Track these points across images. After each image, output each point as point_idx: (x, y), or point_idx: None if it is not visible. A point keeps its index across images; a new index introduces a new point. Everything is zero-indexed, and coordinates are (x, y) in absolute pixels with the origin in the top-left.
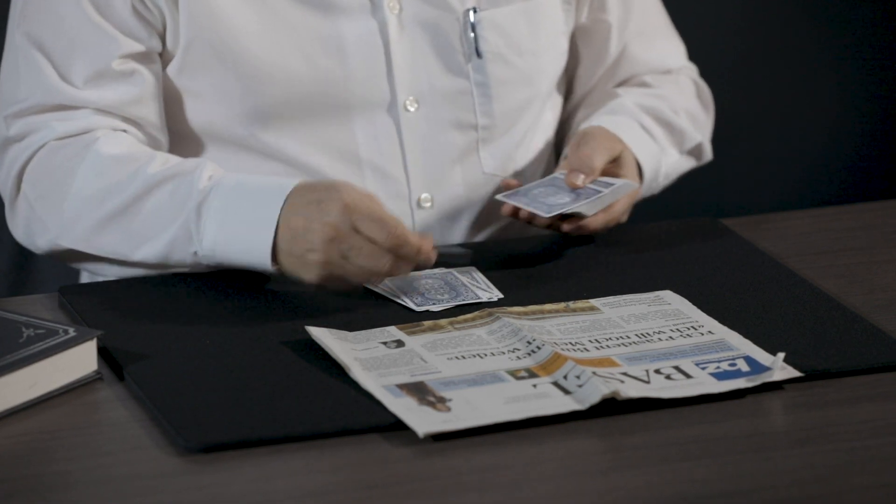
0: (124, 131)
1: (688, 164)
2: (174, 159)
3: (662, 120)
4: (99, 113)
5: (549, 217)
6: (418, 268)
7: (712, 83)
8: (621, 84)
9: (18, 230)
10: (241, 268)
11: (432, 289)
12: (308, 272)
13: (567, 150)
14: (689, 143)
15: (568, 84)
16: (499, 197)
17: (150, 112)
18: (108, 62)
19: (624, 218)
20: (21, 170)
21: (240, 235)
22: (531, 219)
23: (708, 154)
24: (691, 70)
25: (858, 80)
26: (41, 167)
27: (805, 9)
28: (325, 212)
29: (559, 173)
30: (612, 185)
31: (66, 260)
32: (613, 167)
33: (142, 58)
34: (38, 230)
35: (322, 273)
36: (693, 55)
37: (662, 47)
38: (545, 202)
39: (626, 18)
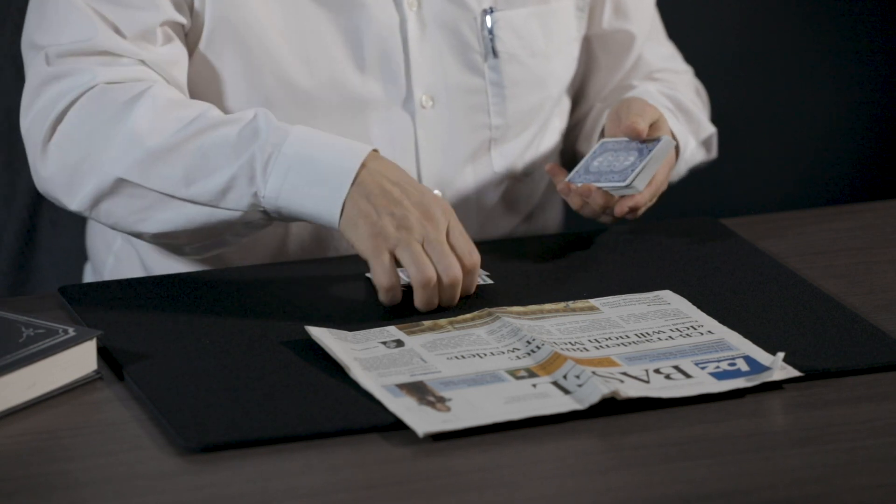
0: None
1: (700, 155)
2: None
3: (682, 107)
4: (144, 65)
5: (627, 183)
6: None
7: (712, 83)
8: None
9: (48, 169)
10: (303, 219)
11: None
12: (366, 242)
13: (606, 121)
14: (704, 133)
15: (580, 89)
16: (567, 179)
17: (183, 79)
18: (153, 25)
19: (664, 186)
20: (63, 111)
21: (308, 189)
22: (588, 197)
23: (715, 149)
24: (689, 71)
25: (858, 79)
26: (91, 106)
27: (804, 9)
28: (423, 192)
29: (603, 141)
30: (656, 143)
31: (103, 219)
32: (652, 131)
33: (178, 28)
34: (86, 169)
35: (382, 240)
36: (692, 55)
37: (665, 51)
38: (614, 172)
39: (648, 28)
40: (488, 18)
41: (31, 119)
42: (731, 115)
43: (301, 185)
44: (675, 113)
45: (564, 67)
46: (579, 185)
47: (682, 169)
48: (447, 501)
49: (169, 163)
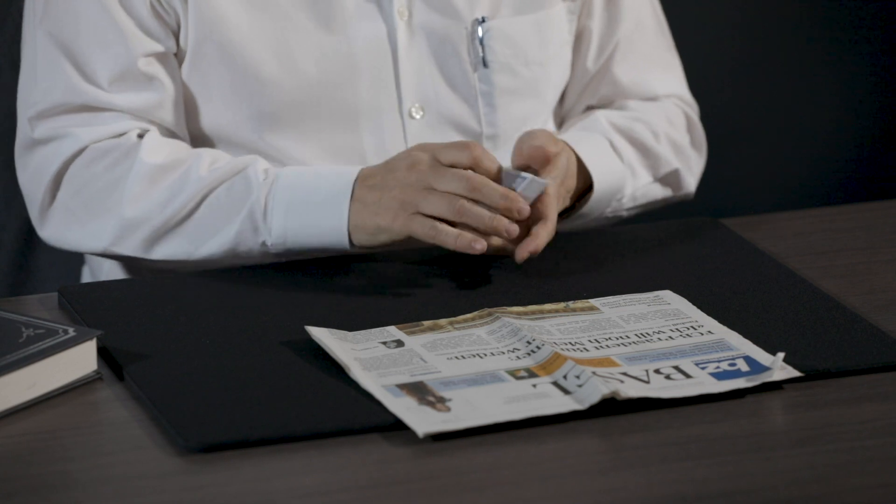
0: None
1: (662, 192)
2: (221, 157)
3: (636, 141)
4: (126, 116)
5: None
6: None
7: (713, 83)
8: (604, 106)
9: (49, 232)
10: (317, 251)
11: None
12: (385, 215)
13: (512, 152)
14: (665, 169)
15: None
16: None
17: (172, 115)
18: (132, 62)
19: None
20: (56, 176)
21: (311, 219)
22: None
23: (687, 187)
24: (687, 105)
25: (858, 80)
26: (83, 175)
27: (805, 9)
28: (398, 158)
29: (504, 169)
30: (529, 180)
31: (121, 261)
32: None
33: (162, 59)
34: (85, 238)
35: (402, 207)
36: (693, 56)
37: (654, 73)
38: None
39: (611, 27)
40: (480, 28)
41: (27, 179)
42: (732, 115)
43: (303, 222)
44: (623, 149)
45: (559, 73)
46: None
47: (626, 204)
48: (447, 501)
49: (171, 238)
